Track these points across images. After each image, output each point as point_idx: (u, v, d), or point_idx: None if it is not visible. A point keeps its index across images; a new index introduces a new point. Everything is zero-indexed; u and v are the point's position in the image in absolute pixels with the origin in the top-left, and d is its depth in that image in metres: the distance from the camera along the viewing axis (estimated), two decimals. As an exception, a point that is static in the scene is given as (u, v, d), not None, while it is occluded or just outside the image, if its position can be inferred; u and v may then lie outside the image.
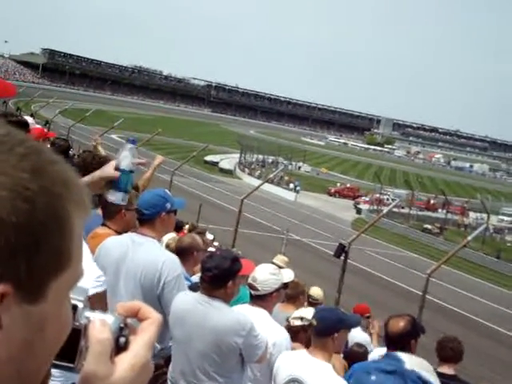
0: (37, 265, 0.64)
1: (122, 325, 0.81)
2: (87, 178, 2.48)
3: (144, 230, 3.97)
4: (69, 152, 6.80)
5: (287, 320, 4.85)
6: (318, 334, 3.78)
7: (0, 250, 0.62)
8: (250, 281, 4.21)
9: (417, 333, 4.17)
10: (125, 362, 0.78)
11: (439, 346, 5.49)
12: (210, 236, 10.71)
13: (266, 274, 4.23)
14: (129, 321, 0.84)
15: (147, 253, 3.87)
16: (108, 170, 2.44)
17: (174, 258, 3.99)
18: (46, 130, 6.98)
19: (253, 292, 4.20)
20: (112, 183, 2.41)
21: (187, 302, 3.79)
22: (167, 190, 4.19)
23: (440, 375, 4.65)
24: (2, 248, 0.62)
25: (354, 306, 8.62)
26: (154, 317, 0.84)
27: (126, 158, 2.42)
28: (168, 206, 3.97)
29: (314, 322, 3.82)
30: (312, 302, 6.84)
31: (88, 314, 0.79)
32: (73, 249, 0.69)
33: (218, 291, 3.71)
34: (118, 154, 2.45)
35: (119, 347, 0.79)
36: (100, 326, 0.77)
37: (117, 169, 2.41)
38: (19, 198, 0.62)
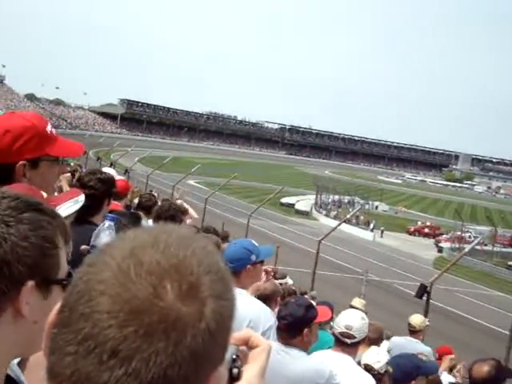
0: None
1: (234, 356, 0.83)
2: None
3: None
4: (153, 208, 6.70)
5: (366, 365, 4.70)
6: (396, 382, 3.67)
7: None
8: (344, 329, 4.11)
9: (503, 378, 4.01)
10: None
11: None
12: (290, 280, 10.58)
13: (359, 320, 4.16)
14: (241, 348, 0.87)
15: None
16: None
17: (266, 309, 3.89)
18: (129, 182, 7.07)
19: (349, 341, 4.10)
20: None
21: None
22: (253, 241, 4.08)
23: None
24: None
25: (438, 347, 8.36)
26: (264, 344, 0.89)
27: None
28: (253, 258, 3.90)
29: (391, 369, 3.72)
30: (411, 331, 6.85)
31: None
32: None
33: (295, 339, 3.66)
34: None
35: (232, 378, 0.82)
36: None
37: None
38: None
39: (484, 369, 3.89)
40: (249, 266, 3.89)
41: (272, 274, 4.50)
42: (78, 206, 2.05)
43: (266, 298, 4.73)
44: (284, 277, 9.96)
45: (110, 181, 4.09)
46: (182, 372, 0.68)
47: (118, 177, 6.66)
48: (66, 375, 0.68)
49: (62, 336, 0.70)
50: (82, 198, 2.10)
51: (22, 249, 1.13)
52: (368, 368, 4.48)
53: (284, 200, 64.81)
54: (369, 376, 4.19)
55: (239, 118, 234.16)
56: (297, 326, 3.65)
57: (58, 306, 0.74)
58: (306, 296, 10.19)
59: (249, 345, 0.88)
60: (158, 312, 0.68)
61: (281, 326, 3.68)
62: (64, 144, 2.33)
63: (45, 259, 1.18)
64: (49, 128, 2.24)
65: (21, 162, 2.16)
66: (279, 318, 3.70)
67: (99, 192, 3.80)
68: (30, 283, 1.14)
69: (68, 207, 2.06)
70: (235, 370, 0.83)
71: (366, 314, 5.48)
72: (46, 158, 2.24)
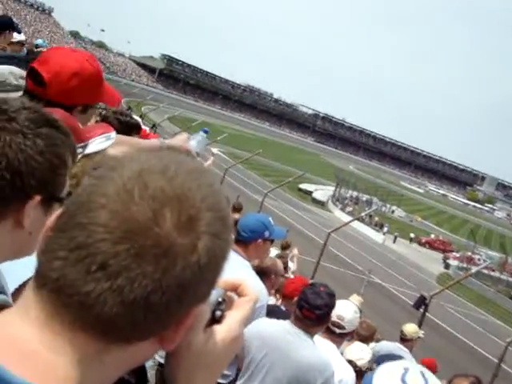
0: None
1: (220, 299, 0.85)
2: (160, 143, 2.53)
3: (237, 248, 3.86)
4: None
5: (349, 360, 4.65)
6: None
7: None
8: (336, 319, 4.12)
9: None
10: (217, 335, 0.83)
11: None
12: (291, 265, 10.51)
13: (352, 313, 4.18)
14: (229, 294, 0.88)
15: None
16: (183, 143, 2.46)
17: (262, 287, 3.84)
18: (151, 133, 7.02)
19: (338, 330, 4.12)
20: None
21: (276, 329, 3.66)
22: (271, 219, 4.11)
23: None
24: None
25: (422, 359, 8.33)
26: (252, 295, 0.90)
27: (198, 142, 2.52)
28: (267, 234, 3.95)
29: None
30: (402, 338, 6.83)
31: None
32: None
33: (317, 328, 3.63)
34: (191, 137, 2.52)
35: (214, 319, 0.83)
36: None
37: None
38: None
39: None
40: (260, 241, 3.94)
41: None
42: (109, 143, 2.03)
43: (262, 273, 4.68)
44: (286, 257, 9.97)
45: (130, 125, 4.01)
46: (165, 300, 0.69)
47: (143, 127, 6.63)
48: (51, 278, 0.69)
49: (56, 240, 0.71)
50: (113, 135, 2.09)
51: (36, 163, 1.16)
52: (351, 364, 4.46)
53: (303, 186, 64.60)
54: (351, 369, 4.17)
55: (275, 96, 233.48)
56: (327, 316, 3.63)
57: (58, 211, 0.75)
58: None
59: (237, 292, 0.89)
60: (152, 237, 0.68)
61: (311, 315, 3.58)
62: (109, 91, 2.25)
63: (54, 177, 1.21)
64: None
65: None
66: (312, 306, 3.58)
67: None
68: (37, 198, 1.18)
69: (100, 142, 2.04)
70: (218, 313, 0.84)
71: (360, 311, 5.46)
72: (93, 105, 2.18)
